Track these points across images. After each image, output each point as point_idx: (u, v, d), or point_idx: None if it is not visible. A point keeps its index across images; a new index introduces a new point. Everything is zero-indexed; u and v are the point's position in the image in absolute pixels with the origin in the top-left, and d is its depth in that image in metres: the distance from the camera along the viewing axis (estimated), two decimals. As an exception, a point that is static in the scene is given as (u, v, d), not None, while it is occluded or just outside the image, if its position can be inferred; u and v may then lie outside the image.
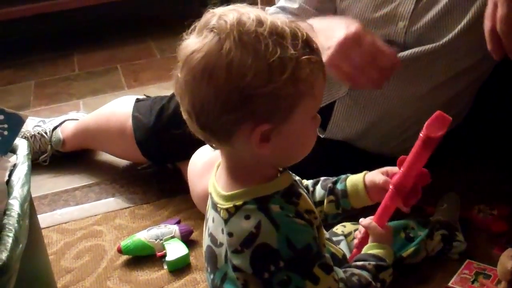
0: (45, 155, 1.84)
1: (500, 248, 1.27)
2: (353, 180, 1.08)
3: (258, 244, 0.85)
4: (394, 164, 1.07)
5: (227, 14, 0.82)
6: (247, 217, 0.86)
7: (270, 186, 0.89)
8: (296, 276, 0.86)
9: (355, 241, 1.11)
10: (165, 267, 1.37)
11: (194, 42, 0.83)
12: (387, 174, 1.07)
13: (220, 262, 0.92)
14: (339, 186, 1.08)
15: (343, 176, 1.10)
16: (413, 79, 1.35)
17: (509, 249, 1.22)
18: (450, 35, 1.31)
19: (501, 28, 1.06)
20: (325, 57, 1.13)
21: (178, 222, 1.48)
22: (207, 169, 1.32)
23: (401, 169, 1.03)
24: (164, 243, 1.40)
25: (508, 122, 1.57)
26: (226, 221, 0.89)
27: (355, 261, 0.99)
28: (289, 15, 1.42)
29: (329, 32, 1.18)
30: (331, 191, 1.08)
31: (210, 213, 0.94)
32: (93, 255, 1.44)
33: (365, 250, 1.02)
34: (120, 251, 1.40)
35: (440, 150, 1.59)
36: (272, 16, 0.84)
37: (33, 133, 1.85)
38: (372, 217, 1.08)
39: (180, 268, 1.36)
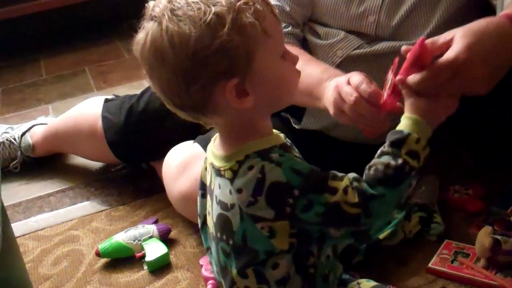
0: (16, 161, 1.81)
1: (477, 227, 1.29)
2: None
3: (268, 186, 0.87)
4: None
5: (161, 0, 0.87)
6: (251, 168, 0.88)
7: (268, 140, 0.91)
8: (314, 195, 0.86)
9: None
10: (145, 267, 1.36)
11: (141, 36, 0.88)
12: None
13: (236, 224, 0.92)
14: None
15: None
16: (384, 69, 1.36)
17: (485, 227, 1.24)
18: (423, 31, 1.32)
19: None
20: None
21: (155, 222, 1.47)
22: (181, 171, 1.32)
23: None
24: (142, 243, 1.39)
25: (480, 108, 1.59)
26: (232, 180, 0.90)
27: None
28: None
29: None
30: None
31: (215, 182, 0.94)
32: (71, 260, 1.42)
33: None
34: (99, 254, 1.38)
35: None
36: None
37: (1, 140, 1.82)
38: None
39: (161, 267, 1.35)
